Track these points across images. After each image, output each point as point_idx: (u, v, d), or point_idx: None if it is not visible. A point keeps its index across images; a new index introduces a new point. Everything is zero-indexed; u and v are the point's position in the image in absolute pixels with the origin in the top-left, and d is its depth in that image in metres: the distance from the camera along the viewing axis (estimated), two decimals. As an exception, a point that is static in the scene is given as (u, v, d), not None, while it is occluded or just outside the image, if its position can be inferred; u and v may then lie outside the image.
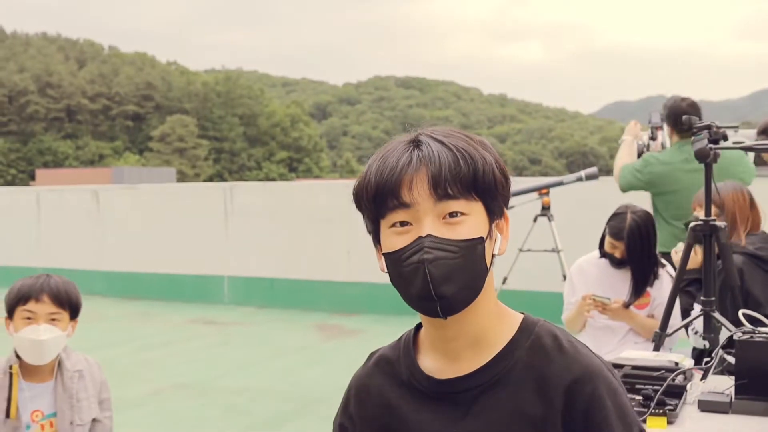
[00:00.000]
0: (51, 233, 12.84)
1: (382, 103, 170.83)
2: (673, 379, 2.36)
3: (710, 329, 2.81)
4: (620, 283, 4.18)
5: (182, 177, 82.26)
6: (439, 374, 1.46)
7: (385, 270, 1.43)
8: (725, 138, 2.78)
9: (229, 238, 11.32)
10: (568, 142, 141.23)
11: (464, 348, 1.45)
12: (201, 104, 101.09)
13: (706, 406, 2.26)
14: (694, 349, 3.33)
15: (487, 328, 1.45)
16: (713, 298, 2.80)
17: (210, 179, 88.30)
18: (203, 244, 11.48)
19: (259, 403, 6.20)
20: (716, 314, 2.79)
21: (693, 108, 4.95)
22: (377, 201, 1.40)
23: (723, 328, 2.81)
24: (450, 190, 1.36)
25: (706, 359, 2.68)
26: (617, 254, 4.12)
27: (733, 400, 2.27)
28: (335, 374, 7.04)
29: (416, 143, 1.40)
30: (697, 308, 3.08)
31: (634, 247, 4.05)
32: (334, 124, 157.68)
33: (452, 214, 1.37)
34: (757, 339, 2.27)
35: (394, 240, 1.39)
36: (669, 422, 2.12)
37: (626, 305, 4.12)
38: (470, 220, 1.38)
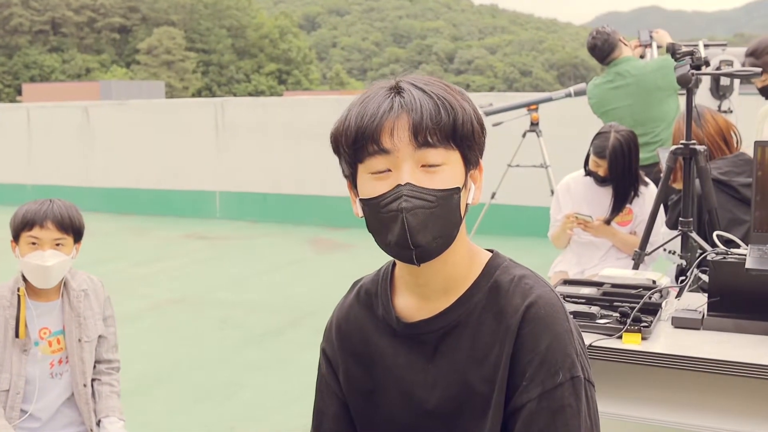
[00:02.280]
0: (42, 150, 12.84)
1: (372, 14, 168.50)
2: (650, 297, 2.49)
3: (688, 249, 2.93)
4: (604, 200, 4.29)
5: (171, 90, 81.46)
6: (410, 316, 1.53)
7: (361, 215, 1.45)
8: (707, 64, 2.85)
9: (220, 154, 11.35)
10: (559, 54, 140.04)
11: (435, 291, 1.50)
12: (188, 16, 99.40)
13: (679, 323, 2.39)
14: (678, 266, 3.45)
15: (457, 273, 1.50)
16: (691, 219, 2.91)
17: (199, 92, 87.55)
18: (195, 159, 11.52)
19: (254, 316, 6.37)
20: (693, 234, 2.91)
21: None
22: (356, 146, 1.41)
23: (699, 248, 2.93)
24: (430, 138, 1.38)
25: (681, 278, 2.81)
26: (601, 172, 4.22)
27: (705, 317, 2.40)
28: (327, 287, 7.20)
29: (397, 90, 1.41)
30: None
31: (616, 166, 4.15)
32: (323, 35, 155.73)
33: (431, 163, 1.39)
34: (729, 260, 2.39)
35: (373, 186, 1.41)
36: (643, 338, 2.25)
37: (607, 221, 4.25)
38: (448, 170, 1.40)
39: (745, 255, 2.38)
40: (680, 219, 2.95)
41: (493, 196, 7.72)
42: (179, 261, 8.66)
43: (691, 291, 2.71)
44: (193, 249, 9.35)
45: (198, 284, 7.52)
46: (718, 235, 2.59)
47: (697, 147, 2.91)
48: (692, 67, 2.80)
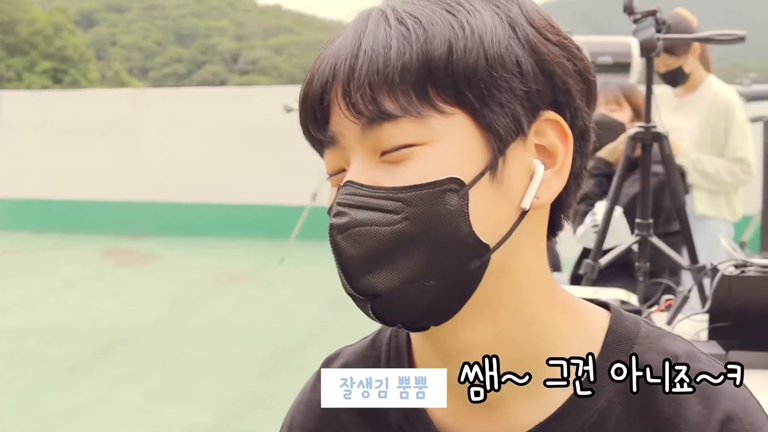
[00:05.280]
0: None
1: (153, 12, 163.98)
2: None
3: (646, 257, 2.38)
4: None
5: (-69, 89, 75.59)
6: (459, 428, 0.80)
7: None
8: (669, 28, 2.32)
9: (-5, 155, 10.08)
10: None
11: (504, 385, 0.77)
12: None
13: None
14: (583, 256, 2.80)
15: (540, 347, 0.77)
16: (651, 221, 2.35)
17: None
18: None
19: (54, 346, 5.38)
20: (656, 241, 2.35)
21: None
22: (304, 130, 0.78)
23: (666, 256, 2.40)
24: (378, 102, 0.71)
25: (668, 296, 2.26)
26: None
27: (727, 353, 1.82)
28: (135, 307, 6.30)
29: (369, 18, 0.75)
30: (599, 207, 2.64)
31: None
32: (101, 33, 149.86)
33: (390, 147, 0.72)
34: (750, 274, 1.83)
35: (331, 194, 0.78)
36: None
37: None
38: (428, 153, 0.71)
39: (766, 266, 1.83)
40: (637, 221, 2.39)
41: (314, 198, 7.14)
42: (-49, 281, 7.39)
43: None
44: (-32, 266, 8.06)
45: (-23, 309, 6.36)
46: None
47: (661, 131, 2.36)
48: (657, 30, 2.25)
